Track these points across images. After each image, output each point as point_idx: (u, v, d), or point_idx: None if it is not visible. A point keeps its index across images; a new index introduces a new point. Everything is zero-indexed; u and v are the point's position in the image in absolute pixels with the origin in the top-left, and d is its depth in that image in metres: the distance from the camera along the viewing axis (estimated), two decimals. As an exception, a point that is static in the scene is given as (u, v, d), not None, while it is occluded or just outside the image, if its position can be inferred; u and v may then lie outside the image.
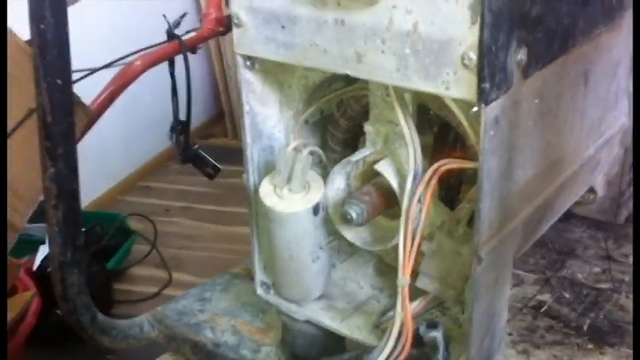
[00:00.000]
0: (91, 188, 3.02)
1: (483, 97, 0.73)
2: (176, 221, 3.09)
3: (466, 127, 0.82)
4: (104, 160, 3.10)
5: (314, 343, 1.03)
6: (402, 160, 0.91)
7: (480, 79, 0.73)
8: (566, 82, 0.89)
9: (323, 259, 1.00)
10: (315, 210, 0.95)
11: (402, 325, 0.88)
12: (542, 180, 0.91)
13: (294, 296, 1.03)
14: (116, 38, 2.65)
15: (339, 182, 0.97)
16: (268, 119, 1.00)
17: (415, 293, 0.92)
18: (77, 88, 1.49)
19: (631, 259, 1.26)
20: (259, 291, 1.06)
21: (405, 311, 0.88)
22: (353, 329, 0.99)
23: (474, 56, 0.73)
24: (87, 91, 1.80)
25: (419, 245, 0.87)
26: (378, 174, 0.95)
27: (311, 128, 1.04)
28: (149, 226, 2.90)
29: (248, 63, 0.94)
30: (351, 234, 0.97)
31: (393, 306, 0.91)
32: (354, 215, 0.91)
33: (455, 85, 0.75)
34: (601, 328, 1.11)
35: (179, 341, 1.15)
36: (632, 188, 1.13)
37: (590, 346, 1.08)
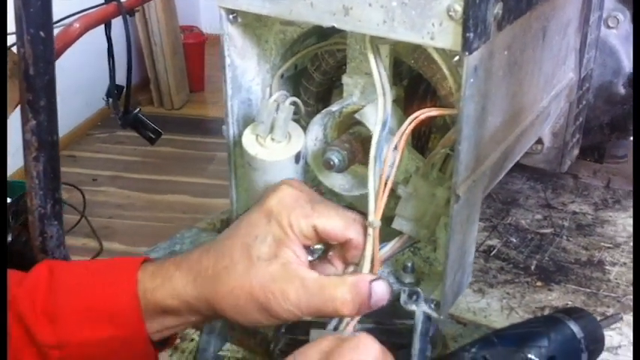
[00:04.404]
0: (15, 158, 2.95)
1: (467, 47, 0.80)
2: (104, 190, 3.05)
3: (447, 76, 0.89)
4: (27, 128, 3.02)
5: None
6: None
7: (465, 29, 0.79)
8: (529, 36, 0.97)
9: (301, 205, 1.05)
10: (297, 158, 1.00)
11: (372, 267, 0.91)
12: (508, 127, 0.99)
13: (271, 243, 1.07)
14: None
15: (317, 132, 1.02)
16: (247, 72, 1.03)
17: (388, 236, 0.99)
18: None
19: (569, 207, 1.38)
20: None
21: (375, 252, 0.91)
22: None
23: (459, 8, 0.79)
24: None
25: (391, 189, 0.91)
26: (354, 124, 1.01)
27: (286, 82, 1.09)
28: (77, 195, 2.85)
29: (231, 17, 0.97)
30: (330, 180, 1.03)
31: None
32: (336, 161, 0.96)
33: (440, 36, 0.81)
34: (547, 268, 1.22)
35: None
36: (574, 139, 1.24)
37: (539, 283, 1.19)
